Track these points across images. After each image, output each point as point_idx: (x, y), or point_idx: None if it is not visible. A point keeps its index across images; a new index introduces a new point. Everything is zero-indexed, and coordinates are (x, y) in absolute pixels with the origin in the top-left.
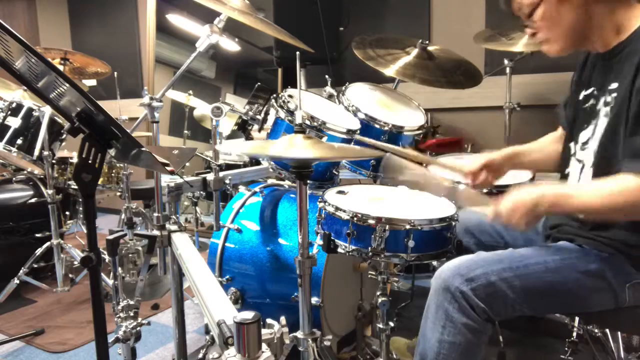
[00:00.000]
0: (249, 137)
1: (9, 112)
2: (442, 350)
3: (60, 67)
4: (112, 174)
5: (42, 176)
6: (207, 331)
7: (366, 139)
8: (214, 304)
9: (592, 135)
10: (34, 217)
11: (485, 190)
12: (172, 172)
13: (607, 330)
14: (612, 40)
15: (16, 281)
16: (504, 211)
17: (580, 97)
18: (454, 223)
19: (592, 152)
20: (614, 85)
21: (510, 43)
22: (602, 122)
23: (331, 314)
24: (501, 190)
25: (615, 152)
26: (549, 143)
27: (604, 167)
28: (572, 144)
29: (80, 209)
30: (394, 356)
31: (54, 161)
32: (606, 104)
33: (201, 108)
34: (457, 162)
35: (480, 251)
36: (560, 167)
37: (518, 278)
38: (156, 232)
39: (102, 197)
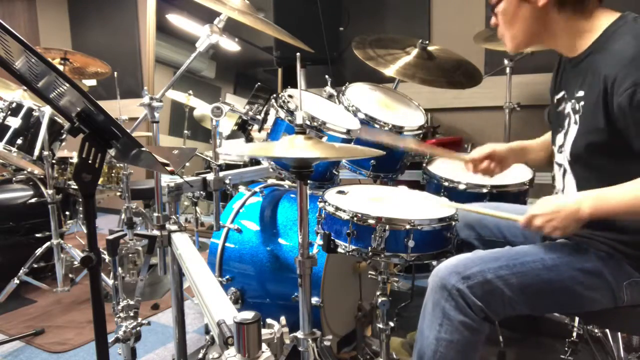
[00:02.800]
0: (249, 137)
1: (9, 112)
2: (440, 348)
3: (60, 67)
4: (112, 174)
5: (42, 176)
6: (207, 331)
7: (368, 136)
8: (214, 304)
9: (564, 140)
10: (34, 217)
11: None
12: (172, 172)
13: (607, 330)
14: (576, 45)
15: (16, 281)
16: (538, 218)
17: (555, 100)
18: (453, 223)
19: (566, 158)
20: (581, 93)
21: None
22: (572, 129)
23: (331, 314)
24: (500, 190)
25: (590, 159)
26: (546, 142)
27: (581, 173)
28: (553, 147)
29: (80, 209)
30: (394, 356)
31: (54, 161)
32: (575, 111)
33: (201, 108)
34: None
35: (477, 249)
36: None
37: (515, 276)
38: (156, 232)
39: (102, 197)
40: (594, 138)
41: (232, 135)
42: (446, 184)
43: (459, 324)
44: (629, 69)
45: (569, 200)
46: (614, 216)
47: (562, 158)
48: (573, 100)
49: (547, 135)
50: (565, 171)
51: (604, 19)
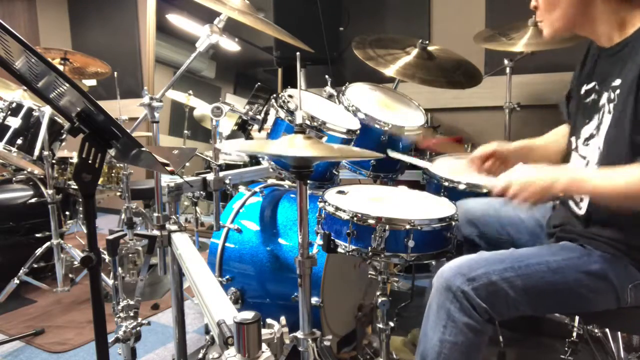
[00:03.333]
0: (249, 137)
1: (9, 112)
2: (444, 350)
3: (60, 67)
4: (112, 174)
5: (42, 176)
6: (207, 331)
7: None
8: (214, 304)
9: (597, 132)
10: (34, 217)
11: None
12: (172, 172)
13: (607, 330)
14: (615, 35)
15: (16, 281)
16: (514, 186)
17: (582, 91)
18: (454, 223)
19: (597, 149)
20: (617, 82)
21: (510, 43)
22: (606, 119)
23: (331, 314)
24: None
25: (620, 150)
26: (557, 139)
27: (609, 165)
28: (573, 139)
29: (80, 209)
30: (394, 356)
31: (54, 161)
32: (610, 100)
33: (201, 108)
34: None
35: (481, 251)
36: (563, 160)
37: (519, 278)
38: (156, 232)
39: (102, 197)
40: (622, 126)
41: (232, 135)
42: (446, 184)
43: (464, 325)
44: None
45: (545, 174)
46: (585, 195)
47: (590, 150)
48: (609, 90)
49: (554, 133)
50: (588, 163)
51: None
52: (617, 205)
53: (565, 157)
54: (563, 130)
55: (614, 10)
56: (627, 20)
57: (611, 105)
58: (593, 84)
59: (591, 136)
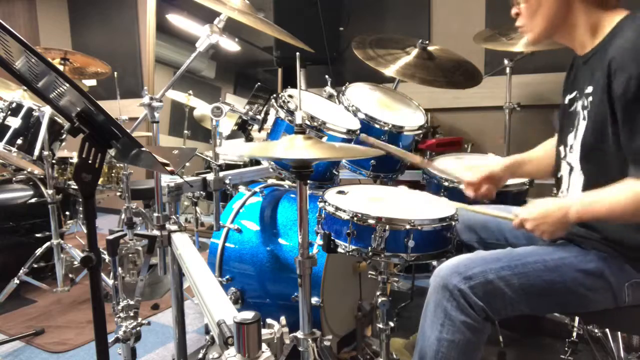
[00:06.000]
0: (249, 137)
1: (9, 112)
2: (441, 349)
3: (60, 67)
4: (112, 174)
5: (42, 176)
6: (207, 331)
7: (370, 139)
8: (214, 304)
9: (575, 139)
10: (34, 217)
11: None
12: (172, 172)
13: (607, 330)
14: (588, 42)
15: (16, 281)
16: (529, 222)
17: (566, 100)
18: (454, 223)
19: (577, 155)
20: (589, 89)
21: (510, 43)
22: (581, 125)
23: (331, 314)
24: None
25: (598, 155)
26: (548, 150)
27: (590, 169)
28: (561, 147)
29: (80, 209)
30: (394, 356)
31: (54, 161)
32: (584, 107)
33: (201, 108)
34: (457, 170)
35: (479, 250)
36: (554, 170)
37: (516, 276)
38: (156, 232)
39: (102, 197)
40: (601, 132)
41: (232, 135)
42: (446, 184)
43: (461, 324)
44: (627, 61)
45: (557, 205)
46: (600, 220)
47: (572, 157)
48: (583, 98)
49: (545, 144)
50: (572, 170)
51: (617, 16)
52: (627, 222)
53: (552, 171)
54: (552, 142)
55: (589, 14)
56: (602, 24)
57: (585, 112)
58: (574, 93)
59: (572, 144)
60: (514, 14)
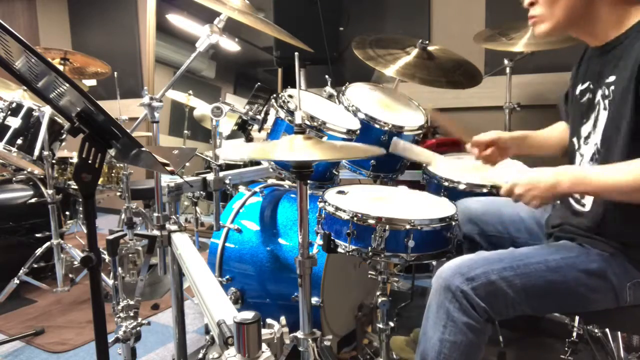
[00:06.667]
0: (249, 137)
1: (9, 112)
2: (444, 350)
3: (60, 67)
4: (112, 174)
5: (42, 176)
6: (207, 331)
7: (400, 145)
8: (214, 304)
9: (594, 129)
10: (34, 217)
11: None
12: (172, 172)
13: (607, 330)
14: (610, 33)
15: (16, 281)
16: (519, 187)
17: (577, 92)
18: (454, 223)
19: (594, 146)
20: (612, 79)
21: (510, 43)
22: (602, 115)
23: (331, 314)
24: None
25: (616, 145)
26: (556, 132)
27: (613, 158)
28: (575, 139)
29: (80, 209)
30: (394, 356)
31: (54, 161)
32: (604, 97)
33: (201, 108)
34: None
35: (480, 250)
36: (564, 157)
37: (518, 277)
38: (156, 232)
39: (102, 197)
40: (624, 124)
41: (232, 135)
42: (446, 184)
43: (463, 325)
44: None
45: (550, 172)
46: (591, 194)
47: (588, 148)
48: (603, 87)
49: (552, 127)
50: (582, 159)
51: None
52: (622, 200)
53: (561, 149)
54: (561, 125)
55: (615, 6)
56: (624, 17)
57: (606, 101)
58: (587, 83)
59: (589, 134)
60: (528, 3)
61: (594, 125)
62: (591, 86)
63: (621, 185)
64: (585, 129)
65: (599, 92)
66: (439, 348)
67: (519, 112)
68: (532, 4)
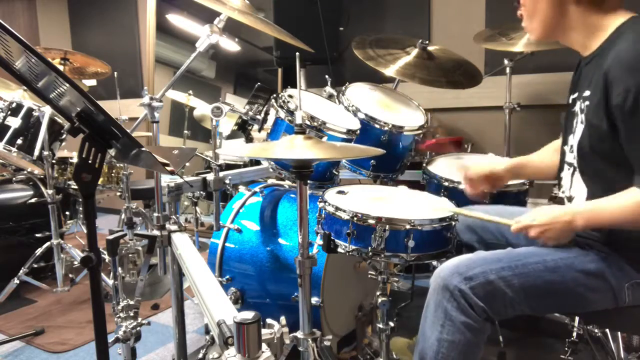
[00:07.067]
0: (249, 137)
1: (9, 112)
2: (442, 349)
3: (60, 67)
4: (112, 174)
5: (42, 176)
6: (207, 331)
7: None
8: (214, 304)
9: (573, 139)
10: (34, 217)
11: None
12: (172, 172)
13: (607, 330)
14: (590, 44)
15: (16, 281)
16: (534, 229)
17: (570, 100)
18: (454, 223)
19: (573, 158)
20: (587, 93)
21: (510, 43)
22: (579, 128)
23: (331, 314)
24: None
25: (594, 157)
26: (550, 153)
27: (587, 170)
28: (565, 147)
29: (80, 209)
30: (394, 356)
31: (54, 161)
32: (581, 110)
33: (201, 108)
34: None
35: (479, 250)
36: (557, 169)
37: (517, 277)
38: (156, 232)
39: (102, 197)
40: (597, 138)
41: (232, 135)
42: (446, 184)
43: (461, 324)
44: (623, 73)
45: (564, 212)
46: (607, 227)
47: (572, 157)
48: (581, 100)
49: (548, 147)
50: (574, 170)
51: (619, 19)
52: (633, 229)
53: (555, 173)
54: (555, 145)
55: (586, 16)
56: (599, 27)
57: (582, 115)
58: (576, 93)
59: (573, 145)
60: (519, 14)
61: (574, 136)
62: (577, 97)
63: (622, 222)
64: (571, 139)
65: (578, 105)
66: (437, 347)
67: (519, 112)
68: (521, 16)
